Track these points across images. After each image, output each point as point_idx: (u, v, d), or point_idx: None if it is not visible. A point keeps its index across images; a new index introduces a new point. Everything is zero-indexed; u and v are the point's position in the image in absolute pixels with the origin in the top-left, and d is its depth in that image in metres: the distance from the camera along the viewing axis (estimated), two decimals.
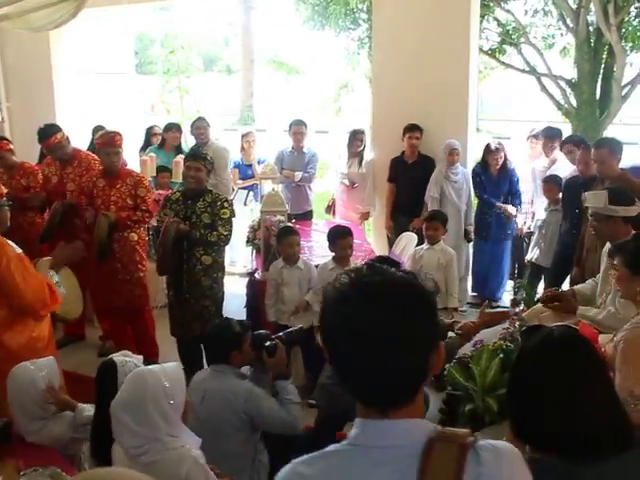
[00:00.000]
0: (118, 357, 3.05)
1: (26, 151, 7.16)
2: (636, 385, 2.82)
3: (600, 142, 5.48)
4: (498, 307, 6.96)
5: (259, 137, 8.70)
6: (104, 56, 9.51)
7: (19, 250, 3.86)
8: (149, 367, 2.75)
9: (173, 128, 7.87)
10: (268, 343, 3.49)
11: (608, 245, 4.16)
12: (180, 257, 5.05)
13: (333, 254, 5.11)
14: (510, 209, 6.74)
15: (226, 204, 5.12)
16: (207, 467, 2.64)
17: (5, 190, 4.11)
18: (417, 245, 6.02)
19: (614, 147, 5.26)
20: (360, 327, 1.32)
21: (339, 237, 5.04)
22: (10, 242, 3.85)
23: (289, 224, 5.75)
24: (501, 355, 4.77)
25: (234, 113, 24.77)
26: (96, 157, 6.05)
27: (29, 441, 3.07)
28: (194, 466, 2.57)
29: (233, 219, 5.24)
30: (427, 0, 6.80)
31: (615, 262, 3.28)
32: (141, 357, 3.13)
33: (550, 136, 6.79)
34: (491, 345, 4.86)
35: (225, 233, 5.06)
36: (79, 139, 7.50)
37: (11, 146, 6.33)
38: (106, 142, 5.51)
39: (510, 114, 23.44)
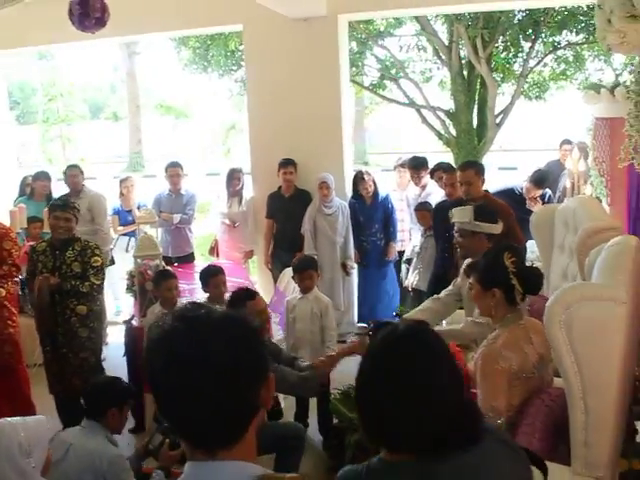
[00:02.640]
0: None
1: None
2: (494, 399, 2.88)
3: (466, 164, 5.69)
4: None
5: (149, 183, 8.57)
6: None
7: None
8: (8, 419, 2.61)
9: (42, 177, 7.60)
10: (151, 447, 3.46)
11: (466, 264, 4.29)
12: (54, 310, 4.84)
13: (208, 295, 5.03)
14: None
15: (97, 251, 4.96)
16: None
17: None
18: None
19: (479, 169, 5.49)
20: (184, 359, 1.27)
21: (210, 276, 4.98)
22: None
23: (167, 267, 5.63)
24: None
25: (123, 160, 24.39)
26: None
27: None
28: None
29: (107, 267, 5.10)
30: (297, 41, 6.95)
31: (470, 280, 3.36)
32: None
33: (415, 166, 6.97)
34: None
35: (97, 282, 4.90)
36: None
37: None
38: None
39: (398, 146, 24.11)
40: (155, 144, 25.52)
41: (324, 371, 4.37)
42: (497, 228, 4.35)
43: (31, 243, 6.44)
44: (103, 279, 5.01)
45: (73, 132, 18.79)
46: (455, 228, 4.54)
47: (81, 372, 4.92)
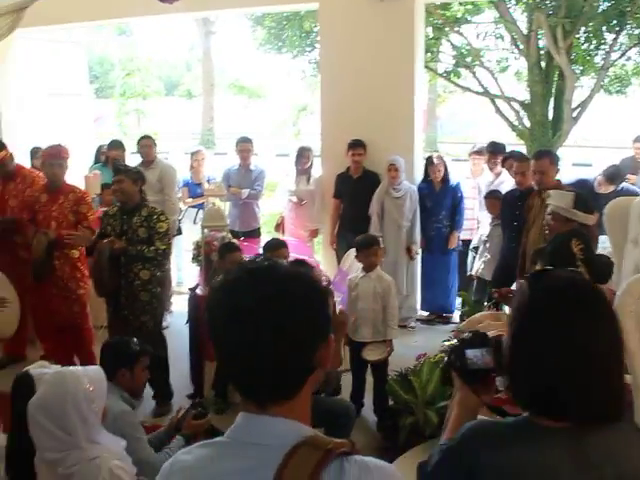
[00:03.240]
0: (35, 369, 2.96)
1: None
2: None
3: (540, 153, 5.59)
4: (451, 323, 7.00)
5: (219, 160, 8.69)
6: (56, 77, 9.43)
7: None
8: (70, 368, 2.70)
9: (116, 145, 7.79)
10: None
11: None
12: (118, 273, 4.97)
13: None
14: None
15: (162, 217, 5.06)
16: (126, 475, 2.57)
17: None
18: None
19: (553, 158, 5.38)
20: (244, 310, 1.26)
21: (272, 248, 5.01)
22: None
23: (232, 240, 5.70)
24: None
25: (195, 137, 24.77)
26: (41, 174, 5.98)
27: None
28: (110, 478, 2.50)
29: (174, 236, 5.20)
30: (373, 21, 6.90)
31: (537, 267, 3.30)
32: (58, 367, 3.05)
33: (494, 151, 6.89)
34: (432, 358, 4.87)
35: (163, 247, 5.00)
36: (26, 159, 7.43)
37: None
38: (51, 153, 5.47)
39: (469, 136, 23.74)
40: (227, 122, 25.83)
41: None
42: (592, 219, 4.29)
43: (104, 209, 6.63)
44: (169, 245, 5.12)
45: (148, 107, 19.21)
46: (548, 210, 4.48)
47: (139, 335, 5.03)
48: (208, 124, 24.24)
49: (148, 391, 5.44)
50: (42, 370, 2.93)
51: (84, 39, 10.36)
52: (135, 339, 4.60)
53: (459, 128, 26.68)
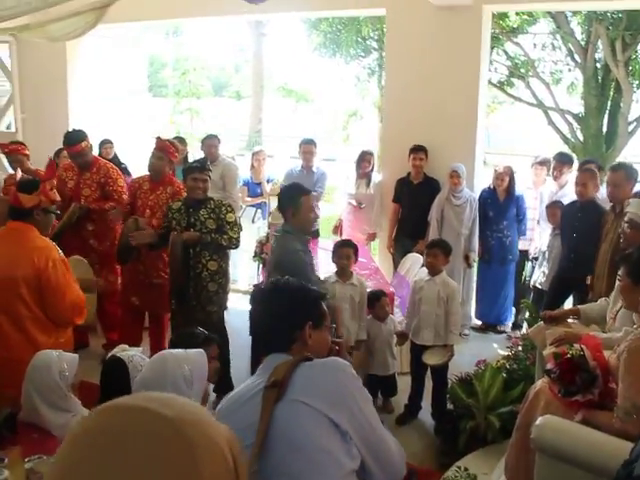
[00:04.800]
0: (121, 353, 3.06)
1: (37, 161, 7.25)
2: (638, 395, 2.84)
3: (617, 166, 5.54)
4: (504, 333, 7.01)
5: (267, 162, 8.79)
6: (118, 75, 9.68)
7: (62, 254, 3.95)
8: (172, 351, 2.79)
9: (180, 142, 7.95)
10: None
11: None
12: (186, 264, 5.11)
13: (335, 270, 5.18)
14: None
15: (229, 208, 5.23)
16: None
17: (58, 198, 4.18)
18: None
19: (630, 172, 5.31)
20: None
21: (339, 246, 5.18)
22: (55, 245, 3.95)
23: None
24: (504, 374, 4.84)
25: (242, 138, 24.99)
26: (114, 166, 6.27)
27: (55, 435, 3.02)
28: None
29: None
30: (439, 29, 6.95)
31: (620, 272, 3.32)
32: (140, 348, 3.16)
33: (562, 161, 6.85)
34: (494, 363, 4.91)
35: (235, 236, 5.17)
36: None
37: (27, 151, 6.45)
38: (157, 146, 5.70)
39: (517, 149, 23.56)
40: (275, 125, 26.01)
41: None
42: None
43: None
44: (239, 234, 5.26)
45: (200, 106, 19.49)
46: (626, 218, 4.48)
47: (204, 325, 5.15)
48: (256, 126, 24.42)
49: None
50: (132, 354, 3.04)
51: (141, 38, 10.60)
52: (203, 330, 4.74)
53: (507, 139, 26.46)
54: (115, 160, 8.03)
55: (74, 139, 5.96)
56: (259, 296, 2.34)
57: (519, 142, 24.96)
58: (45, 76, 9.02)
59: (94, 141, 7.57)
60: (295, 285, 2.29)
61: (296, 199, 4.59)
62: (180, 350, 2.77)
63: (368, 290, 5.33)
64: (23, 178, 5.36)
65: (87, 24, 5.84)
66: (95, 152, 7.45)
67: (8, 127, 9.68)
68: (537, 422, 3.05)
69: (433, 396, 5.10)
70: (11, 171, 6.73)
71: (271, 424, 1.85)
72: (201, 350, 2.83)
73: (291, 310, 2.17)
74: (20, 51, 9.09)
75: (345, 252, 5.12)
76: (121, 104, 9.68)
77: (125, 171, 7.65)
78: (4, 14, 4.33)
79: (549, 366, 3.37)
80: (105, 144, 8.21)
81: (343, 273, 5.12)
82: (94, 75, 9.24)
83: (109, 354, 3.20)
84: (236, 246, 5.31)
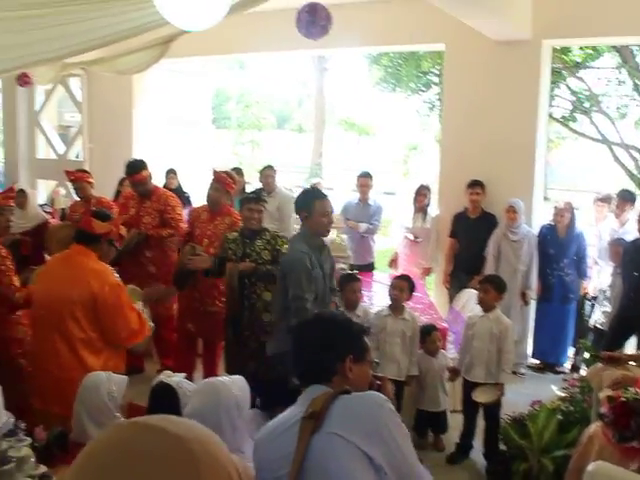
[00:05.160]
0: (170, 379, 3.10)
1: (102, 189, 7.50)
2: None
3: None
4: (562, 373, 6.83)
5: (330, 195, 8.82)
6: (182, 106, 9.94)
7: (118, 279, 4.05)
8: (219, 378, 2.82)
9: (237, 173, 8.08)
10: None
11: None
12: (241, 294, 5.17)
13: (389, 304, 5.17)
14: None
15: (285, 240, 5.28)
16: None
17: (124, 234, 4.30)
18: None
19: None
20: (304, 332, 2.28)
21: (395, 278, 5.21)
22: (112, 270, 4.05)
23: (354, 271, 5.80)
24: (559, 416, 4.69)
25: (303, 171, 25.29)
26: (173, 194, 6.45)
27: None
28: None
29: None
30: (498, 64, 6.94)
31: None
32: (183, 374, 3.19)
33: (624, 198, 6.70)
34: (549, 404, 4.78)
35: None
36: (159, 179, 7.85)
37: (91, 179, 6.67)
38: (215, 178, 5.86)
39: (580, 185, 23.15)
40: (336, 158, 26.23)
41: None
42: None
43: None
44: None
45: (262, 139, 19.84)
46: None
47: (257, 355, 5.18)
48: (317, 159, 24.68)
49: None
50: (178, 380, 3.07)
51: (207, 72, 10.88)
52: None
53: (568, 176, 26.04)
54: (178, 190, 8.23)
55: (135, 168, 6.15)
56: (302, 327, 2.34)
57: (582, 178, 24.52)
58: (112, 108, 9.36)
59: (158, 171, 7.81)
60: (338, 318, 2.36)
61: (310, 203, 4.53)
62: (226, 377, 2.79)
63: (420, 325, 5.29)
64: (100, 207, 5.52)
65: (152, 58, 6.05)
66: (160, 182, 7.68)
67: (77, 156, 10.03)
68: (589, 468, 2.95)
69: (485, 436, 4.97)
70: (76, 198, 6.96)
71: (307, 455, 1.88)
72: (242, 377, 2.85)
73: (332, 342, 2.19)
74: (90, 84, 9.46)
75: (399, 284, 5.11)
76: (185, 135, 9.92)
77: (187, 201, 7.82)
78: (73, 50, 4.52)
79: (603, 410, 3.27)
80: (169, 174, 8.43)
81: (395, 306, 5.09)
82: (159, 106, 9.52)
83: (154, 381, 3.23)
84: None
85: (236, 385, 2.75)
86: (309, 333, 2.26)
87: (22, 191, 7.31)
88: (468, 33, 6.57)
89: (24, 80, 8.04)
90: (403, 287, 5.07)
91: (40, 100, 10.02)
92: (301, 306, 4.26)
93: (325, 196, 4.66)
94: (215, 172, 5.92)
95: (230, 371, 5.40)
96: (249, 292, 5.17)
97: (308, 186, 8.69)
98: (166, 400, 2.94)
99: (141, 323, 4.16)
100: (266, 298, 5.18)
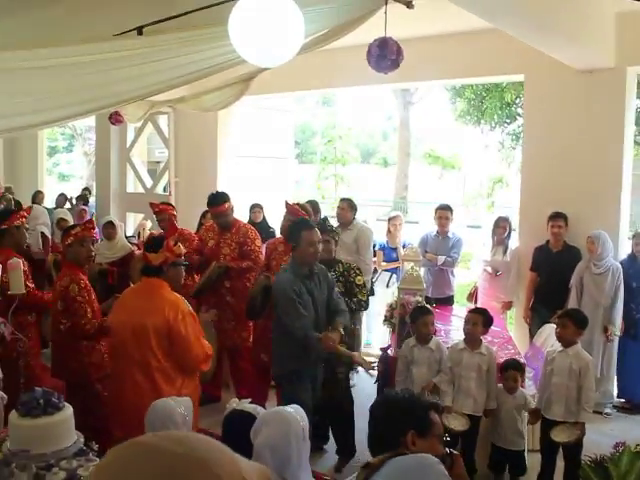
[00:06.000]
0: (244, 406, 3.13)
1: (187, 222, 7.73)
2: None
3: None
4: None
5: (412, 229, 8.84)
6: (265, 141, 10.17)
7: (190, 308, 4.17)
8: (285, 408, 2.85)
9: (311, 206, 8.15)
10: None
11: None
12: (317, 324, 5.18)
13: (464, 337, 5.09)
14: None
15: (358, 271, 5.36)
16: None
17: (184, 250, 4.46)
18: None
19: None
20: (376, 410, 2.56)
21: (469, 311, 5.14)
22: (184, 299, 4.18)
23: (425, 304, 5.74)
24: None
25: (388, 205, 25.32)
26: (252, 227, 6.60)
27: None
28: None
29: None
30: (580, 93, 6.81)
31: None
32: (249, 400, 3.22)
33: None
34: (633, 447, 4.54)
35: (364, 299, 5.30)
36: (243, 213, 8.03)
37: (174, 212, 6.89)
38: (288, 209, 6.02)
39: None
40: (420, 191, 26.16)
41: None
42: None
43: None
44: (368, 296, 5.35)
45: (346, 173, 20.01)
46: None
47: (330, 385, 5.21)
48: (402, 192, 24.65)
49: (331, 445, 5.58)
50: (253, 406, 3.10)
51: (290, 107, 11.10)
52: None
53: None
54: (264, 224, 8.38)
55: (217, 200, 6.32)
56: (372, 406, 2.60)
57: None
58: (197, 143, 9.68)
59: (242, 206, 7.98)
60: (401, 395, 2.59)
61: (297, 233, 4.74)
62: (287, 407, 2.81)
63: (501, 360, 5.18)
64: (149, 237, 5.68)
65: (234, 95, 6.25)
66: (245, 217, 7.85)
67: (164, 190, 10.39)
68: None
69: (564, 478, 4.78)
70: (160, 230, 7.19)
71: None
72: (299, 406, 2.87)
73: (393, 418, 2.43)
74: (177, 121, 9.82)
75: (473, 318, 5.03)
76: (269, 170, 10.13)
77: (272, 235, 7.91)
78: (153, 89, 4.72)
79: None
80: (254, 208, 8.60)
81: (470, 340, 4.99)
82: (243, 142, 9.78)
83: (227, 409, 3.27)
84: (365, 308, 5.44)
85: (299, 414, 2.77)
86: (375, 411, 2.53)
87: (111, 223, 7.64)
88: (548, 62, 6.49)
89: (116, 118, 8.40)
90: (477, 321, 4.98)
91: (131, 137, 10.46)
92: (299, 335, 4.60)
93: (313, 227, 4.86)
94: (287, 204, 6.02)
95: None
96: (324, 322, 5.17)
97: (386, 219, 8.67)
98: (242, 427, 2.92)
99: (209, 353, 4.24)
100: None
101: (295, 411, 2.79)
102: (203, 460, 0.81)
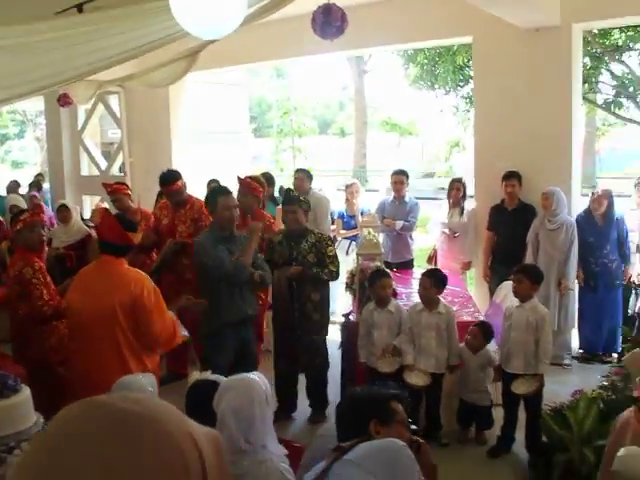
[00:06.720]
0: (207, 376, 3.16)
1: (145, 201, 7.66)
2: None
3: None
4: (611, 363, 6.67)
5: (372, 197, 8.87)
6: (219, 117, 10.08)
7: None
8: (247, 374, 2.86)
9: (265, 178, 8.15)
10: None
11: None
12: (290, 296, 5.31)
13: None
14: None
15: (329, 242, 5.45)
16: (293, 478, 2.69)
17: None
18: None
19: None
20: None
21: (423, 276, 5.21)
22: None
23: (382, 267, 5.80)
24: (601, 405, 4.59)
25: (347, 174, 25.36)
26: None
27: None
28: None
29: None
30: (527, 52, 6.85)
31: None
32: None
33: None
34: (590, 394, 4.68)
35: (334, 270, 5.36)
36: (192, 191, 7.96)
37: (128, 191, 6.82)
38: (240, 183, 6.07)
39: (630, 172, 22.60)
40: (379, 159, 26.23)
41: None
42: None
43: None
44: (338, 267, 5.44)
45: (303, 145, 19.98)
46: None
47: (309, 350, 5.43)
48: (360, 161, 24.70)
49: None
50: (216, 376, 3.12)
51: (244, 81, 11.00)
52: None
53: (620, 162, 25.46)
54: None
55: (170, 179, 6.28)
56: (339, 404, 2.78)
57: (632, 165, 23.92)
58: (150, 122, 9.56)
59: (199, 182, 7.93)
60: (361, 391, 2.77)
61: (214, 199, 5.06)
62: (256, 373, 2.85)
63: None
64: (124, 218, 5.63)
65: (181, 70, 6.20)
66: (202, 193, 7.79)
67: (120, 170, 10.27)
68: (620, 452, 2.88)
69: (526, 428, 4.90)
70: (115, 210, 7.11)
71: (326, 477, 2.22)
72: (260, 373, 2.91)
73: (354, 412, 2.57)
74: (127, 100, 9.69)
75: (422, 281, 5.15)
76: (225, 145, 10.05)
77: None
78: (97, 66, 4.66)
79: (637, 394, 3.19)
80: (211, 183, 8.51)
81: (426, 301, 5.07)
82: (197, 118, 9.68)
83: (190, 380, 3.29)
84: (335, 278, 5.54)
85: (262, 380, 2.80)
86: (340, 408, 2.69)
87: (64, 206, 7.53)
88: (495, 23, 6.52)
89: (64, 101, 8.26)
90: (427, 283, 5.07)
91: (82, 119, 10.29)
92: (218, 267, 4.88)
93: (229, 192, 5.18)
94: (239, 178, 6.01)
95: (278, 366, 5.60)
96: (298, 294, 5.33)
97: (344, 188, 8.69)
98: (206, 396, 2.91)
99: (175, 329, 4.23)
100: (315, 299, 5.37)
101: (258, 377, 2.82)
102: (155, 417, 0.82)
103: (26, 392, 2.59)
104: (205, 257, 4.96)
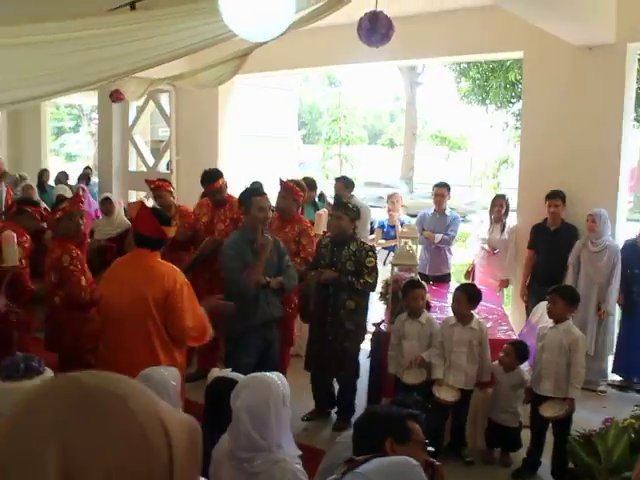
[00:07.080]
0: (227, 373, 3.17)
1: (189, 199, 7.76)
2: None
3: None
4: None
5: (418, 208, 8.83)
6: (268, 120, 10.17)
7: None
8: (266, 373, 2.87)
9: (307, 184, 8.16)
10: None
11: None
12: (325, 300, 5.32)
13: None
14: None
15: (371, 253, 5.35)
16: (306, 478, 2.70)
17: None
18: None
19: None
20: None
21: (456, 290, 5.19)
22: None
23: (416, 278, 5.76)
24: (632, 435, 4.46)
25: (394, 185, 25.30)
26: None
27: None
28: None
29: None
30: (579, 70, 6.74)
31: None
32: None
33: None
34: (621, 422, 4.56)
35: (371, 281, 5.30)
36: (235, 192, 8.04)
37: (171, 189, 6.90)
38: (282, 186, 6.04)
39: None
40: (426, 172, 26.08)
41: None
42: None
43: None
44: (376, 279, 5.39)
45: (351, 153, 20.02)
46: None
47: (339, 358, 5.40)
48: (407, 173, 24.60)
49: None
50: (235, 374, 3.13)
51: (296, 88, 11.09)
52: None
53: None
54: None
55: (211, 177, 6.35)
56: (356, 420, 2.79)
57: None
58: (199, 121, 9.70)
59: (242, 184, 7.99)
60: (379, 409, 2.85)
61: (248, 198, 5.11)
62: (269, 373, 2.84)
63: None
64: (160, 212, 5.69)
65: (230, 72, 6.27)
66: None
67: (167, 168, 10.42)
68: None
69: (553, 453, 4.79)
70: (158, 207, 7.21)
71: None
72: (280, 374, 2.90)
73: (371, 429, 2.59)
74: (178, 99, 9.82)
75: (455, 296, 5.11)
76: (272, 149, 10.14)
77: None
78: (146, 63, 4.73)
79: None
80: (253, 185, 8.59)
81: (459, 316, 5.02)
82: (245, 121, 9.78)
83: (210, 377, 3.31)
84: (371, 290, 5.49)
85: (282, 381, 2.80)
86: (357, 424, 2.70)
87: (108, 199, 7.66)
88: (547, 39, 6.43)
89: (117, 96, 8.41)
90: (460, 298, 5.01)
91: (133, 116, 10.47)
92: (231, 279, 5.02)
93: (264, 193, 5.24)
94: (282, 181, 6.04)
95: (308, 367, 5.62)
96: (333, 300, 5.32)
97: (385, 197, 8.68)
98: (225, 394, 2.92)
99: (205, 325, 4.25)
100: (350, 306, 5.33)
101: (278, 377, 2.82)
102: (121, 396, 0.83)
103: (49, 374, 2.64)
104: (222, 264, 5.13)
